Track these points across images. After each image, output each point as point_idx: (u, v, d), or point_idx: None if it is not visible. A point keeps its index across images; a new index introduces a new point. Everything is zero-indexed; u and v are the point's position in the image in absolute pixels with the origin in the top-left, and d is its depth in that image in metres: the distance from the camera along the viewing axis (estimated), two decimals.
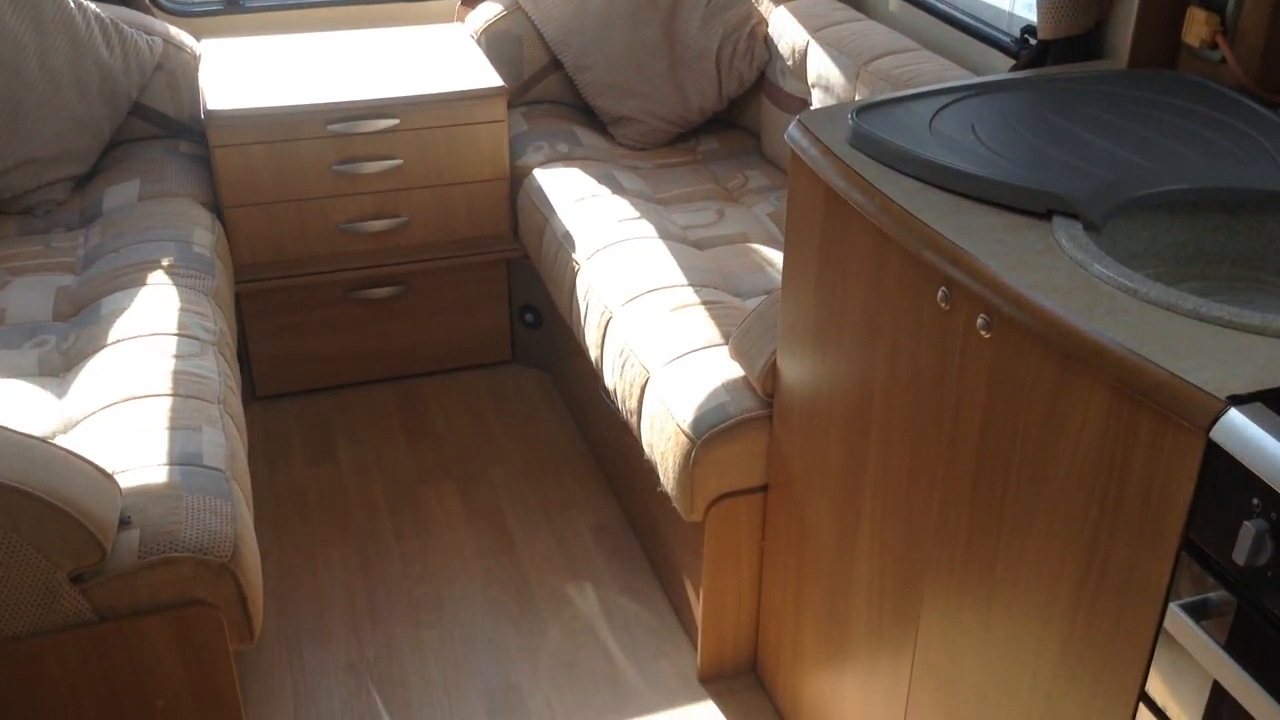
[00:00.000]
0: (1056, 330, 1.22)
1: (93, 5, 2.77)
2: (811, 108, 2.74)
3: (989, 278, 1.31)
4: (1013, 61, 2.37)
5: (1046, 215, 1.40)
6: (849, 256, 1.60)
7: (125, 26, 2.81)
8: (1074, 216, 1.38)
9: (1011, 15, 2.58)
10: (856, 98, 2.56)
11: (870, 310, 1.56)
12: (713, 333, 2.15)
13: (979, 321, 1.33)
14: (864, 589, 1.71)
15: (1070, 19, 2.08)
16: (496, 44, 3.05)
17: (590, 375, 2.54)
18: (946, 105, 1.67)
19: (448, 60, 2.95)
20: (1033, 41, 2.28)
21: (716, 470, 1.97)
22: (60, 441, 1.88)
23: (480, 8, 3.12)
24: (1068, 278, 1.28)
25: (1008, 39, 2.43)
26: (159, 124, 2.91)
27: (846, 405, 1.67)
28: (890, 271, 1.50)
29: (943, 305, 1.40)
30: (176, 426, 1.89)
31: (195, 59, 2.91)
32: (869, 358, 1.59)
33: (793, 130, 1.70)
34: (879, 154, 1.56)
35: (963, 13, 2.59)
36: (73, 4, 2.71)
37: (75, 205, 2.71)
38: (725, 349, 2.09)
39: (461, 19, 3.20)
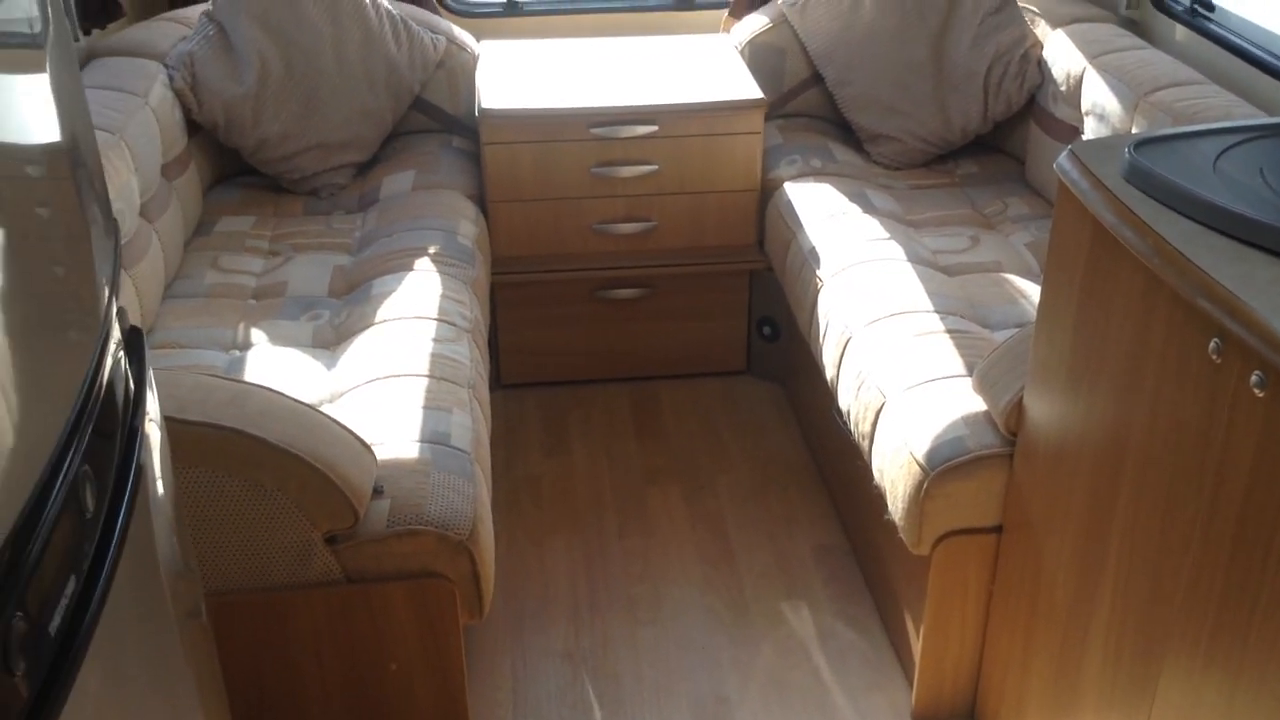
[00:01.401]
0: None
1: (385, 2, 2.95)
2: (1083, 137, 2.63)
3: (1268, 333, 1.23)
4: None
5: None
6: (1114, 297, 1.53)
7: (413, 24, 2.98)
8: None
9: None
10: (1133, 129, 2.44)
11: (1133, 355, 1.49)
12: (956, 363, 2.10)
13: (1253, 379, 1.25)
14: (1100, 646, 1.63)
15: None
16: (759, 56, 3.07)
17: (824, 393, 2.52)
18: (1234, 145, 1.58)
19: (710, 70, 2.99)
20: None
21: (949, 505, 1.92)
22: (326, 410, 2.02)
23: (747, 19, 3.15)
24: None
25: None
26: (436, 118, 3.07)
27: (1098, 452, 1.60)
28: (1159, 316, 1.43)
29: (1214, 358, 1.32)
30: (430, 406, 2.00)
31: (474, 58, 3.06)
32: (1127, 404, 1.52)
33: (1063, 160, 1.64)
34: (1156, 191, 1.48)
35: (1257, 47, 2.43)
36: (368, 0, 2.90)
37: (356, 190, 2.90)
38: (968, 381, 2.04)
39: (728, 29, 3.24)
